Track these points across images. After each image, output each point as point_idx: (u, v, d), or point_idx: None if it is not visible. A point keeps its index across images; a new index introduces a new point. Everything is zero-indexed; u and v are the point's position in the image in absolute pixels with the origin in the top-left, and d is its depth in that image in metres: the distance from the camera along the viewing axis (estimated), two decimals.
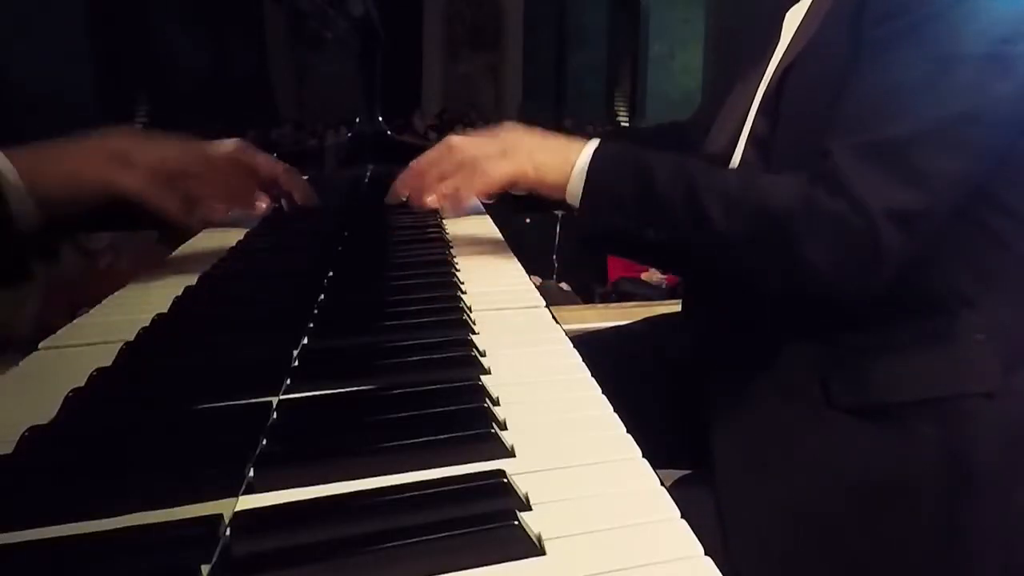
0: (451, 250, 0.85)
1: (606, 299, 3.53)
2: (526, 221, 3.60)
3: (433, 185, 0.84)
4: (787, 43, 0.79)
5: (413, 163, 0.87)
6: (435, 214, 1.01)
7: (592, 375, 0.51)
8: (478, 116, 10.60)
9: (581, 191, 0.74)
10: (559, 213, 3.00)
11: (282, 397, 0.46)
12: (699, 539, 0.33)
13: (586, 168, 0.74)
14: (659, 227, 0.71)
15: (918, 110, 0.65)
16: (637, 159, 0.74)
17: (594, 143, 0.77)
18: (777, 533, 0.70)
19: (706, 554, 0.32)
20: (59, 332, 0.58)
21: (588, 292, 3.71)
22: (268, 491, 0.36)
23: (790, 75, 0.75)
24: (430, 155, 0.84)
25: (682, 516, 0.34)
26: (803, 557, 0.70)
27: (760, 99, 0.80)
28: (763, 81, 0.82)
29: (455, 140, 0.83)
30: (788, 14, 0.83)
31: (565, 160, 0.76)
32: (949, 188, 0.65)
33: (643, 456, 0.40)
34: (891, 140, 0.65)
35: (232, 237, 0.91)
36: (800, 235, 0.65)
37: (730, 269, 0.72)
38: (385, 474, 0.37)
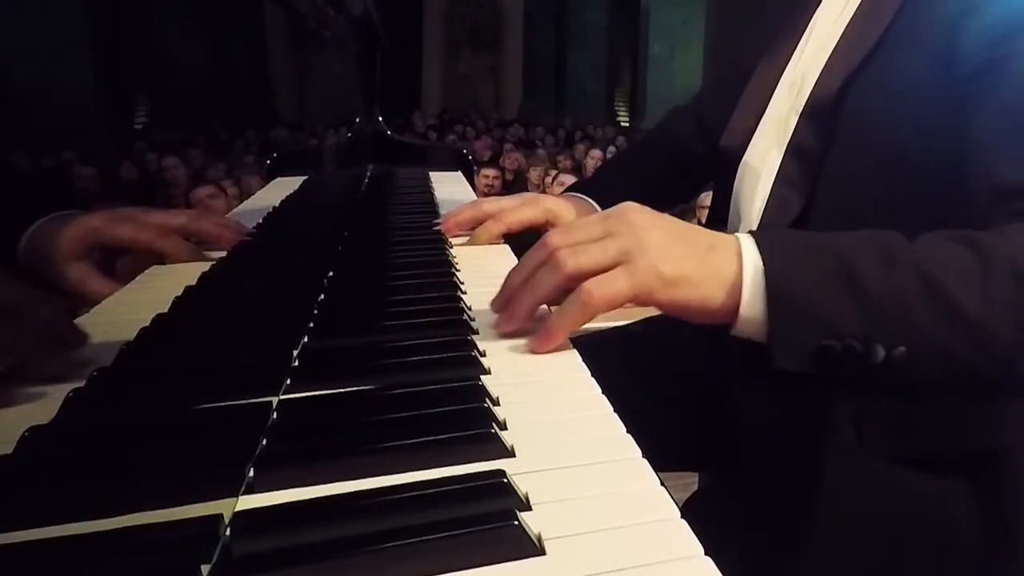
0: (451, 250, 0.85)
1: None
2: None
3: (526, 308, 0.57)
4: (825, 38, 0.74)
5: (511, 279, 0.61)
6: (435, 215, 1.01)
7: (592, 375, 0.51)
8: (478, 116, 10.61)
9: (764, 317, 0.53)
10: None
11: (282, 397, 0.46)
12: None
13: (762, 284, 0.53)
14: (893, 338, 0.52)
15: None
16: (822, 246, 0.54)
17: (749, 245, 0.54)
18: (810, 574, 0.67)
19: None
20: None
21: None
22: (268, 491, 0.36)
23: (853, 89, 0.69)
24: (528, 266, 0.59)
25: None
26: None
27: (806, 108, 0.73)
28: (790, 72, 0.78)
29: (554, 245, 0.57)
30: (822, 9, 0.78)
31: (717, 276, 0.54)
32: None
33: (643, 456, 0.40)
34: None
35: None
36: None
37: (995, 366, 0.54)
38: (385, 474, 0.37)
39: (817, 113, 0.71)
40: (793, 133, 0.74)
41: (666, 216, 0.58)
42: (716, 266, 0.54)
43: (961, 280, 0.51)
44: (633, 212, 0.57)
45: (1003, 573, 0.66)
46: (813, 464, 0.69)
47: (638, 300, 0.54)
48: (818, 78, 0.73)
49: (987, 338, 0.51)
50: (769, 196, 0.76)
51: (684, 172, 1.07)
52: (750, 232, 0.56)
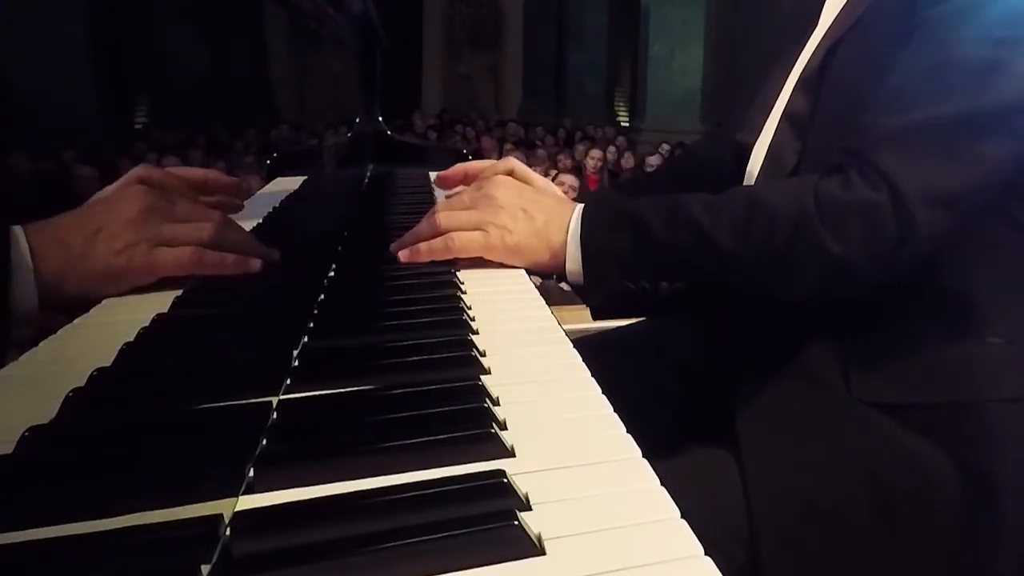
0: None
1: None
2: None
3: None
4: (827, 26, 0.78)
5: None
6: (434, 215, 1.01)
7: (592, 375, 0.51)
8: (478, 116, 10.60)
9: (581, 269, 0.72)
10: None
11: (282, 397, 0.46)
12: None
13: (579, 242, 0.72)
14: (673, 276, 0.69)
15: (973, 90, 0.63)
16: (625, 213, 0.72)
17: (576, 217, 0.74)
18: (797, 519, 0.69)
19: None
20: (59, 332, 0.58)
21: None
22: (268, 491, 0.36)
23: (836, 51, 0.74)
24: (421, 224, 0.80)
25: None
26: (821, 544, 0.68)
27: (799, 77, 0.79)
28: (799, 64, 0.81)
29: (437, 209, 0.79)
30: (828, 2, 0.82)
31: (546, 245, 0.74)
32: (993, 173, 0.64)
33: (643, 456, 0.40)
34: (936, 118, 0.63)
35: None
36: (819, 230, 0.64)
37: (763, 290, 0.70)
38: (385, 474, 0.37)
39: (807, 81, 0.77)
40: (788, 101, 0.79)
41: (524, 192, 0.78)
42: (546, 237, 0.74)
43: (724, 225, 0.67)
44: (497, 189, 0.77)
45: (985, 534, 0.66)
46: (804, 409, 0.72)
47: (488, 256, 0.75)
48: (812, 52, 0.78)
49: (744, 270, 0.68)
50: (764, 159, 0.80)
51: (692, 171, 1.08)
52: (582, 206, 0.75)
